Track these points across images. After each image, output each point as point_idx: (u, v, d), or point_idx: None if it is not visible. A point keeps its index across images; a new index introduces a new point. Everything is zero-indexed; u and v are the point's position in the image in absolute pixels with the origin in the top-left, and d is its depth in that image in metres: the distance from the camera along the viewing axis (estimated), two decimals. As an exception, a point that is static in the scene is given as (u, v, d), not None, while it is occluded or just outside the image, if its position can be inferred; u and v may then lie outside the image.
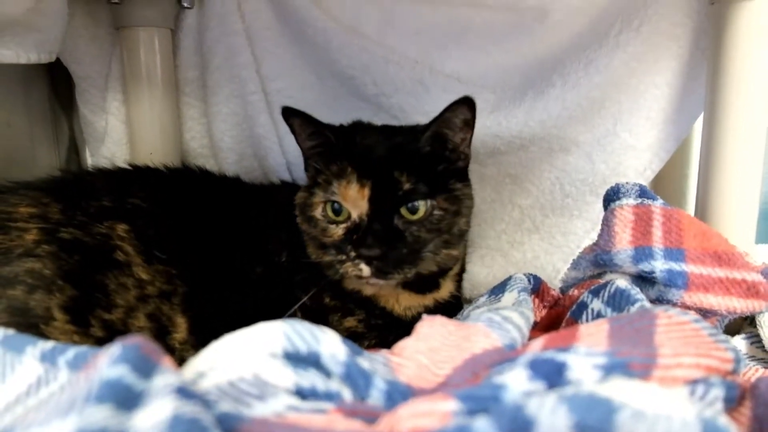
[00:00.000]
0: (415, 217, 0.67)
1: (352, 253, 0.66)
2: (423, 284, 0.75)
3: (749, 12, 0.73)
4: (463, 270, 0.84)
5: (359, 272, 0.67)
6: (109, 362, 0.34)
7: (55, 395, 0.42)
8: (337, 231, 0.69)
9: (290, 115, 0.74)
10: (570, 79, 0.86)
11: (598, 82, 0.84)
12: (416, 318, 0.73)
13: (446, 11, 0.89)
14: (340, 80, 0.94)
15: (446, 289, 0.78)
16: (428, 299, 0.76)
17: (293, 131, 0.75)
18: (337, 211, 0.69)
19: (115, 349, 0.35)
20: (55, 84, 1.01)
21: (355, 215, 0.68)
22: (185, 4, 0.93)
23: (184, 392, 0.33)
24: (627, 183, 0.72)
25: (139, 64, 0.93)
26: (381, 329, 0.74)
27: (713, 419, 0.35)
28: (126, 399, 0.32)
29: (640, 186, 0.72)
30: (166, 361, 0.36)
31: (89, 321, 0.63)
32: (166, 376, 0.34)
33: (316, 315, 0.71)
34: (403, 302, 0.75)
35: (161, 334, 0.66)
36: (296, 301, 0.69)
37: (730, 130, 0.76)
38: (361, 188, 0.67)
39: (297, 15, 0.92)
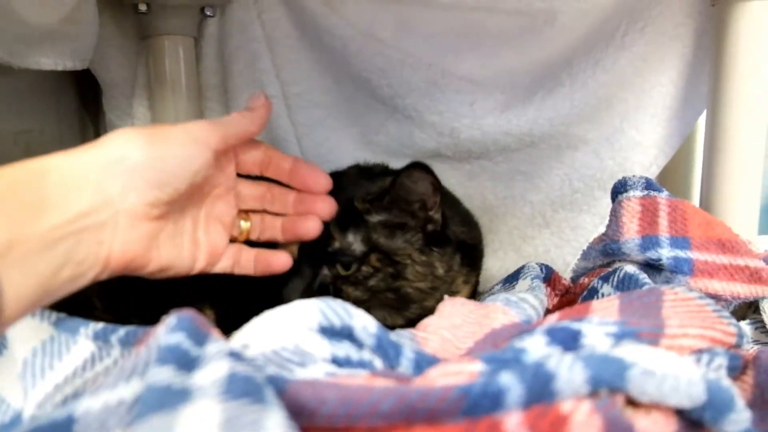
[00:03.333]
0: (344, 273, 0.65)
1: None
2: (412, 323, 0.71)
3: (749, 12, 0.77)
4: (474, 292, 0.80)
5: None
6: (166, 330, 0.38)
7: (110, 368, 0.46)
8: None
9: None
10: (578, 78, 0.89)
11: (605, 81, 0.88)
12: None
13: (459, 15, 0.93)
14: (357, 83, 0.98)
15: None
16: None
17: None
18: None
19: (171, 319, 0.39)
20: (83, 92, 1.05)
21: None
22: (208, 13, 0.97)
23: (236, 356, 0.37)
24: (634, 176, 0.75)
25: (163, 71, 0.97)
26: None
27: (717, 380, 0.39)
28: (185, 362, 0.36)
29: (647, 179, 0.75)
30: (215, 332, 0.40)
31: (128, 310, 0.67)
32: (218, 344, 0.38)
33: None
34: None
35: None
36: None
37: (732, 127, 0.79)
38: None
39: (315, 22, 0.96)
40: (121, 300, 0.66)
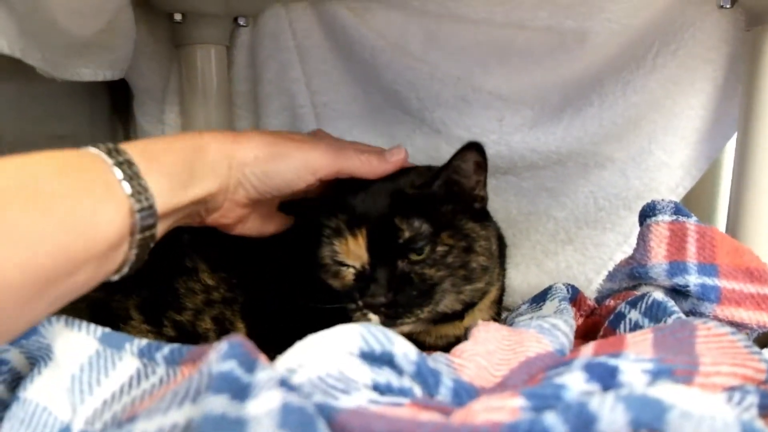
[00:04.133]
0: (419, 258, 0.65)
1: (360, 303, 0.64)
2: (450, 317, 0.72)
3: (784, 40, 0.77)
4: (501, 298, 0.82)
5: (368, 322, 0.64)
6: (218, 358, 0.39)
7: (156, 386, 0.47)
8: (348, 275, 0.67)
9: (290, 211, 0.73)
10: (607, 98, 0.90)
11: (634, 102, 0.89)
12: (449, 346, 0.69)
13: (488, 31, 0.93)
14: (385, 95, 0.99)
15: (475, 318, 0.74)
16: (459, 329, 0.74)
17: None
18: (346, 265, 0.68)
19: (222, 346, 0.40)
20: (114, 97, 1.07)
21: (359, 266, 0.66)
22: (241, 23, 0.99)
23: (286, 384, 0.38)
24: (662, 200, 0.76)
25: (195, 78, 0.99)
26: None
27: (751, 422, 0.39)
28: (238, 390, 0.37)
29: (675, 203, 0.75)
30: (263, 358, 0.41)
31: (162, 321, 0.68)
32: (267, 371, 0.39)
33: None
34: (434, 333, 0.74)
35: (224, 336, 0.70)
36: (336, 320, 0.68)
37: (763, 152, 0.79)
38: (355, 238, 0.65)
39: (345, 33, 0.97)
40: (158, 314, 0.68)
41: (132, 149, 0.50)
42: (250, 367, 0.40)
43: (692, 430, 0.37)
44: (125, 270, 0.51)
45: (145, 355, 0.50)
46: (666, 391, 0.39)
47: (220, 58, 0.99)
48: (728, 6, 0.84)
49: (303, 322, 0.71)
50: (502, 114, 0.95)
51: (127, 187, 0.48)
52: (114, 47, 0.82)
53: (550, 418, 0.35)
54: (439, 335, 0.74)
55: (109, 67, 0.81)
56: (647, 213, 0.76)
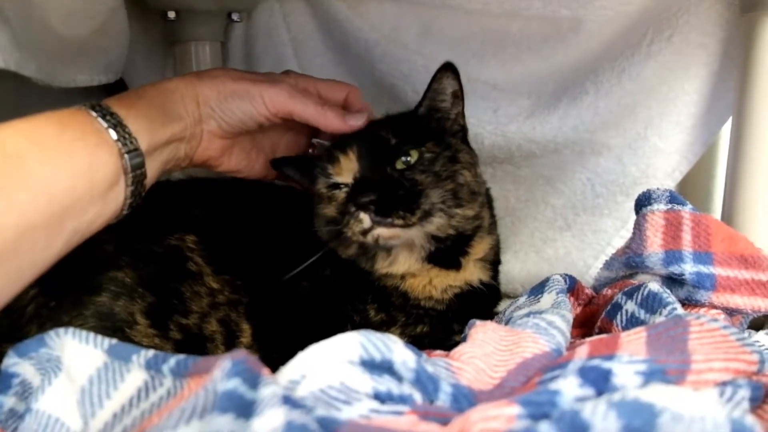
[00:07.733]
0: (407, 165, 0.70)
1: (352, 208, 0.67)
2: (446, 258, 0.75)
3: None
4: (496, 260, 0.84)
5: (360, 224, 0.67)
6: (222, 375, 0.40)
7: (164, 399, 0.49)
8: (340, 195, 0.72)
9: (281, 165, 0.81)
10: (603, 87, 0.90)
11: (630, 89, 0.89)
12: (451, 305, 0.76)
13: (482, 21, 0.93)
14: (381, 88, 1.00)
15: (472, 272, 0.78)
16: (458, 279, 0.77)
17: (290, 178, 0.83)
18: (339, 186, 0.73)
19: (226, 363, 0.41)
20: (110, 94, 1.07)
21: (351, 179, 0.71)
22: (235, 18, 0.99)
23: (290, 400, 0.39)
24: (658, 189, 0.76)
25: (191, 75, 0.99)
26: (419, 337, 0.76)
27: (741, 419, 0.41)
28: (242, 408, 0.39)
29: (671, 192, 0.76)
30: (266, 372, 0.43)
31: (168, 325, 0.70)
32: (271, 387, 0.40)
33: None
34: (437, 283, 0.76)
35: (231, 338, 0.72)
36: (344, 317, 0.74)
37: (758, 136, 0.80)
38: (346, 155, 0.71)
39: (340, 27, 0.97)
40: (164, 318, 0.69)
41: (111, 102, 0.60)
42: (253, 383, 0.41)
43: (683, 433, 0.39)
44: (127, 208, 0.62)
45: (152, 367, 0.51)
46: (657, 394, 0.40)
47: (214, 54, 0.99)
48: (722, -9, 0.84)
49: (308, 322, 0.74)
50: (498, 104, 0.95)
51: (113, 134, 0.57)
52: (108, 49, 0.82)
53: (544, 428, 0.36)
54: (442, 287, 0.76)
55: (104, 71, 0.81)
56: (643, 202, 0.77)
